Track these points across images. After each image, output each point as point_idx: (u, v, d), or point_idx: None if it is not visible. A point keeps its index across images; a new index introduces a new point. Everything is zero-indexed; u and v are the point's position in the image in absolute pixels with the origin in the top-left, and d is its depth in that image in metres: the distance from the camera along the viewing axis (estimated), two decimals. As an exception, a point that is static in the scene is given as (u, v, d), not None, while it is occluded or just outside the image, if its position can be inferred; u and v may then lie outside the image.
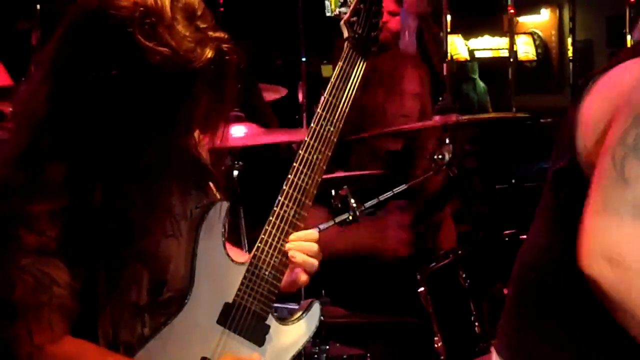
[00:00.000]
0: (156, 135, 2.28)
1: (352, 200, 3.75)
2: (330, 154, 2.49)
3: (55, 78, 2.24)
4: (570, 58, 7.46)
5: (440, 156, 3.80)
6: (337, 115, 2.46)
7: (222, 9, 6.32)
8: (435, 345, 3.80)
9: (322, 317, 3.31)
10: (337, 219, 3.69)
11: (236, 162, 3.82)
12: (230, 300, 2.39)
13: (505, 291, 3.69)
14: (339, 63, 2.50)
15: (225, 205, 2.46)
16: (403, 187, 3.81)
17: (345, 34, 2.52)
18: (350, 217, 3.71)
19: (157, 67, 2.18)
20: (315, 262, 2.50)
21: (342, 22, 2.57)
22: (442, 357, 3.80)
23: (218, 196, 2.52)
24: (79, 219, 2.23)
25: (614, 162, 2.26)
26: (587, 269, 2.24)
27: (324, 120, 2.44)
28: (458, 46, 8.96)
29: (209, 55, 2.24)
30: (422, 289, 3.83)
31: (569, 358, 2.49)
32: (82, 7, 2.29)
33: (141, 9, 2.20)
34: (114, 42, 2.22)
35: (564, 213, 2.45)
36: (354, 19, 2.53)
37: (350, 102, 2.50)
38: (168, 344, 2.32)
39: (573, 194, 2.40)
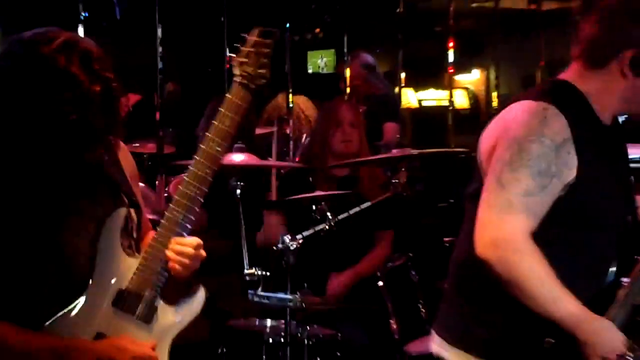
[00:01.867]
0: (63, 152, 2.26)
1: (329, 214, 3.74)
2: (216, 169, 2.41)
3: None
4: (495, 108, 7.45)
5: (397, 180, 3.80)
6: (223, 138, 2.42)
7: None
8: (392, 327, 3.75)
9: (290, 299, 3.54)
10: (317, 228, 3.68)
11: (238, 182, 3.79)
12: (124, 287, 2.31)
13: (445, 285, 3.72)
14: (227, 95, 2.43)
15: (122, 211, 2.37)
16: (368, 204, 3.80)
17: (236, 72, 2.48)
18: (327, 227, 3.70)
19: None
20: (185, 262, 2.37)
21: (233, 62, 2.50)
22: (396, 336, 3.76)
23: (125, 204, 2.40)
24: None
25: (495, 173, 2.40)
26: (481, 255, 2.33)
27: (212, 142, 2.40)
28: (409, 97, 8.95)
29: (97, 89, 2.24)
30: (381, 283, 3.80)
31: (485, 331, 2.47)
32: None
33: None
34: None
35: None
36: (244, 60, 2.50)
37: (235, 127, 2.44)
38: (71, 320, 2.26)
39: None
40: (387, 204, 4.08)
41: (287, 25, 6.07)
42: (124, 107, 2.73)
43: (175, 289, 2.45)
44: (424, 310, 3.74)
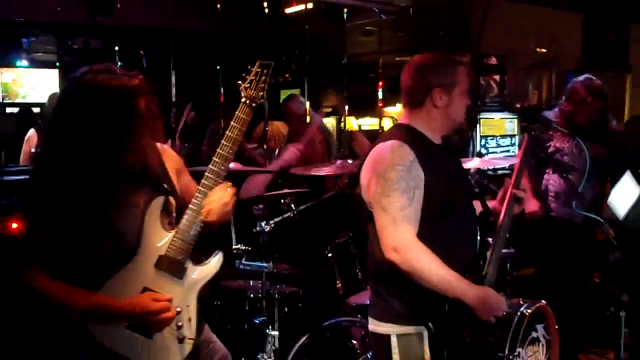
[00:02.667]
0: (119, 158, 2.29)
1: (293, 205, 3.77)
2: (229, 165, 2.44)
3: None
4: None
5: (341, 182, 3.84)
6: (233, 143, 2.44)
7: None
8: (337, 286, 3.79)
9: (265, 266, 3.56)
10: (284, 215, 3.71)
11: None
12: (163, 253, 2.34)
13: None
14: (236, 112, 2.44)
15: (161, 198, 2.39)
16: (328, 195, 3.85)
17: (242, 94, 2.50)
18: (292, 215, 3.73)
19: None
20: (220, 208, 2.39)
21: (240, 87, 2.49)
22: (341, 292, 3.78)
23: (165, 193, 2.42)
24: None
25: (377, 204, 2.48)
26: (390, 259, 2.41)
27: (226, 147, 2.43)
28: (352, 123, 8.98)
29: (149, 118, 2.32)
30: (330, 254, 3.82)
31: (403, 305, 2.52)
32: None
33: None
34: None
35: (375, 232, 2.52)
36: (248, 85, 2.54)
37: (241, 135, 2.45)
38: (125, 278, 2.30)
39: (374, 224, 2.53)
40: (333, 199, 4.13)
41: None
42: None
43: (201, 253, 2.48)
44: (360, 274, 3.77)
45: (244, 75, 2.52)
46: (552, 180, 4.45)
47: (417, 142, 2.53)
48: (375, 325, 2.61)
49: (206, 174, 2.41)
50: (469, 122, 2.57)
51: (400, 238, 2.40)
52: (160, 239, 2.37)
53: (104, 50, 6.78)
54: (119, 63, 5.83)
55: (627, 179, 3.25)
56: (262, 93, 2.48)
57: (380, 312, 2.60)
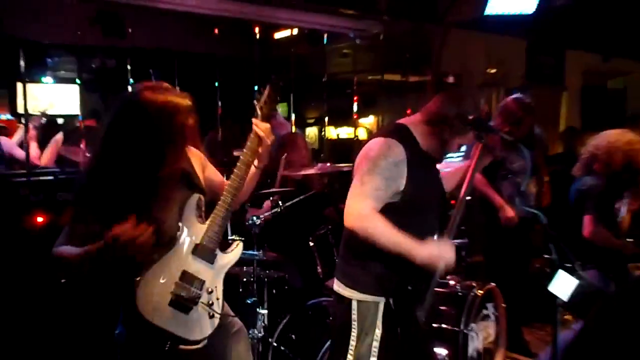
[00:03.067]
0: (161, 164, 2.29)
1: (280, 202, 3.73)
2: (248, 169, 2.50)
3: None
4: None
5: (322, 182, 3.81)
6: (253, 152, 2.48)
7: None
8: (318, 271, 3.76)
9: (256, 254, 3.55)
10: (272, 211, 3.67)
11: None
12: (198, 242, 2.38)
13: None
14: (248, 143, 2.49)
15: (196, 195, 2.43)
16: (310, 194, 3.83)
17: (257, 111, 2.52)
18: (279, 210, 3.70)
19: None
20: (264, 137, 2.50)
21: (255, 104, 2.54)
22: (321, 276, 3.75)
23: (198, 190, 2.46)
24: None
25: (358, 176, 2.47)
26: (349, 225, 2.41)
27: (245, 155, 2.46)
28: (332, 132, 8.95)
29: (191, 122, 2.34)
30: (312, 243, 3.80)
31: (364, 272, 2.53)
32: None
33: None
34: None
35: None
36: (262, 105, 2.53)
37: (257, 144, 2.50)
38: (167, 262, 2.31)
39: None
40: (315, 197, 4.10)
41: (255, 87, 6.07)
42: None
43: (225, 244, 2.53)
44: (337, 261, 3.75)
45: (257, 95, 2.54)
46: (504, 186, 4.44)
47: (409, 145, 2.51)
48: (339, 287, 2.61)
49: (232, 176, 2.47)
50: (473, 122, 2.56)
51: (364, 207, 2.38)
52: (196, 230, 2.40)
53: (118, 69, 6.74)
54: (131, 80, 5.78)
55: (563, 274, 3.33)
56: (273, 111, 2.56)
57: (346, 277, 2.60)
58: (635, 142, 3.91)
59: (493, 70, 7.02)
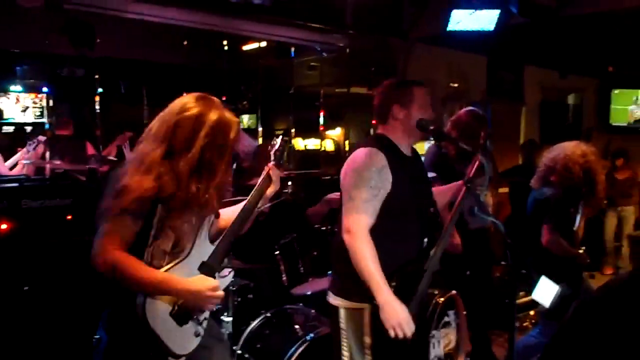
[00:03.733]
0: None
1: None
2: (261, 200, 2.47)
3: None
4: (347, 150, 7.46)
5: (287, 190, 3.76)
6: (259, 194, 2.44)
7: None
8: (282, 279, 3.73)
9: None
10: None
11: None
12: (205, 260, 2.30)
13: (315, 253, 3.70)
14: (260, 183, 2.48)
15: (211, 217, 2.41)
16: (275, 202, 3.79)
17: (273, 162, 2.51)
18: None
19: None
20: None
21: (271, 151, 2.56)
22: (286, 284, 3.74)
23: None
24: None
25: (346, 192, 2.50)
26: (343, 236, 2.47)
27: (253, 197, 2.43)
28: (300, 143, 8.97)
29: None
30: (277, 252, 3.76)
31: (349, 284, 2.52)
32: None
33: None
34: None
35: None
36: (277, 154, 2.54)
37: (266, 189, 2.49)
38: (175, 271, 2.23)
39: None
40: (280, 206, 4.06)
41: (224, 98, 6.05)
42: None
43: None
44: (302, 269, 3.73)
45: (273, 144, 2.58)
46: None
47: (389, 150, 2.56)
48: (330, 297, 2.65)
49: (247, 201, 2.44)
50: (433, 132, 2.61)
51: (356, 224, 2.42)
52: (205, 249, 2.35)
53: (87, 78, 6.65)
54: (99, 89, 5.70)
55: (545, 280, 3.37)
56: (283, 155, 2.59)
57: (335, 287, 2.64)
58: (590, 154, 3.98)
59: (455, 85, 7.10)
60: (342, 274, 2.57)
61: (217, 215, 2.48)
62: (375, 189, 2.46)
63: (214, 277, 2.33)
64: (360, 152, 2.55)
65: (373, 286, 2.39)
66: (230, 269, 2.54)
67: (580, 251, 4.03)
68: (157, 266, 2.23)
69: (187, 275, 2.26)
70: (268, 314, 3.56)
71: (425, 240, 2.67)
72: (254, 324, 3.52)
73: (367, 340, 2.49)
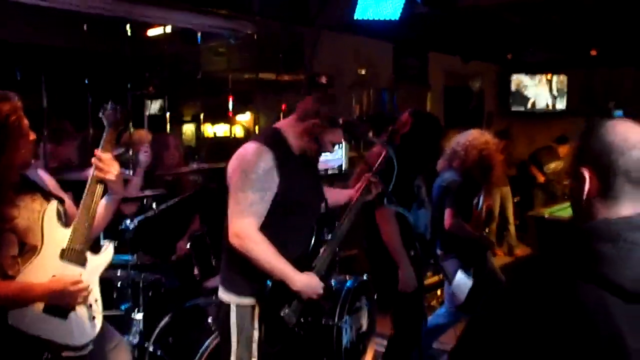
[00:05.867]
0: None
1: (154, 205, 3.63)
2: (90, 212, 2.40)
3: None
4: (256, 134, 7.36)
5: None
6: (92, 194, 2.41)
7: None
8: (195, 272, 3.69)
9: (130, 259, 3.49)
10: (147, 214, 3.57)
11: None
12: (65, 247, 2.31)
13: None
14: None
15: (54, 202, 2.38)
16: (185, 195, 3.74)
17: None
18: (153, 213, 3.62)
19: None
20: (106, 169, 2.40)
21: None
22: (198, 278, 3.72)
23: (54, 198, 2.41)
24: None
25: (233, 194, 2.48)
26: (231, 242, 2.46)
27: (86, 200, 2.42)
28: (208, 130, 8.84)
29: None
30: (188, 245, 3.78)
31: (239, 280, 2.57)
32: None
33: None
34: None
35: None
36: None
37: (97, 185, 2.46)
38: (33, 271, 2.23)
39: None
40: (190, 198, 4.02)
41: (129, 85, 5.91)
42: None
43: (97, 248, 2.52)
44: (214, 261, 3.69)
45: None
46: None
47: (279, 149, 2.53)
48: (221, 293, 2.64)
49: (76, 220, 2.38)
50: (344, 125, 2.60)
51: (244, 227, 2.42)
52: (60, 235, 2.33)
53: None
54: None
55: (461, 275, 3.54)
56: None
57: (226, 283, 2.63)
58: (492, 143, 4.18)
59: (363, 71, 7.21)
60: (232, 272, 2.60)
61: (62, 201, 2.45)
62: (261, 192, 2.45)
63: (84, 260, 2.35)
64: (250, 149, 2.51)
65: (283, 277, 2.46)
66: (108, 244, 2.54)
67: (484, 233, 4.25)
68: (14, 275, 2.20)
69: (51, 268, 2.26)
70: (181, 308, 3.52)
71: (314, 235, 2.71)
72: (166, 319, 3.47)
73: (256, 334, 2.53)
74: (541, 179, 8.39)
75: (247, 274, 2.52)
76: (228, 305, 2.57)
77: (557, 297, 1.08)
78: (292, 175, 2.54)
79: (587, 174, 1.23)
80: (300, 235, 2.64)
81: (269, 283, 2.49)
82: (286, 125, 2.66)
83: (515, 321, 1.12)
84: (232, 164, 2.55)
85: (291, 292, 2.52)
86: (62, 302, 2.24)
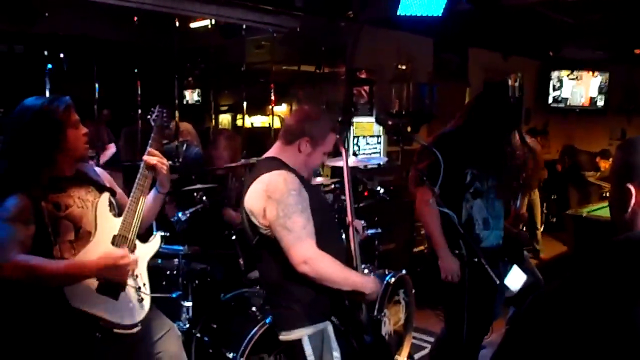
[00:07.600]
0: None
1: (205, 198, 3.73)
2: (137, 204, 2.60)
3: None
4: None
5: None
6: (143, 187, 2.64)
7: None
8: (240, 263, 3.81)
9: (181, 249, 3.63)
10: (198, 207, 3.67)
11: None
12: (116, 233, 2.51)
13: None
14: None
15: (107, 194, 2.60)
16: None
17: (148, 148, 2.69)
18: (204, 206, 3.73)
19: None
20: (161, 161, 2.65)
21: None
22: (243, 268, 3.83)
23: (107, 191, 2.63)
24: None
25: (281, 225, 2.43)
26: (302, 271, 2.42)
27: (136, 192, 2.63)
28: (247, 121, 8.96)
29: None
30: (233, 237, 3.89)
31: (301, 311, 2.54)
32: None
33: None
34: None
35: (272, 251, 2.52)
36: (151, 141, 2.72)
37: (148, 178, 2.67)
38: (87, 255, 2.40)
39: (270, 244, 2.51)
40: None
41: (176, 76, 6.06)
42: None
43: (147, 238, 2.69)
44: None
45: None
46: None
47: (294, 171, 2.57)
48: (285, 335, 2.58)
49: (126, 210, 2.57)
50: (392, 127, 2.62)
51: (307, 251, 2.41)
52: (112, 223, 2.53)
53: (28, 55, 6.49)
54: (49, 65, 5.57)
55: (516, 269, 3.57)
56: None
57: (286, 321, 2.58)
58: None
59: (403, 67, 7.22)
60: (294, 307, 2.54)
61: (114, 193, 2.65)
62: (305, 211, 2.44)
63: (133, 246, 2.54)
64: (273, 179, 2.49)
65: (357, 286, 2.50)
66: (156, 234, 2.71)
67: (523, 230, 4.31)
68: (69, 259, 2.38)
69: (104, 252, 2.40)
70: (226, 298, 3.64)
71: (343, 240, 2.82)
72: (213, 307, 3.60)
73: (337, 354, 2.54)
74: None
75: (303, 299, 2.52)
76: (299, 341, 2.52)
77: (610, 316, 1.08)
78: (310, 194, 2.56)
79: (633, 190, 1.30)
80: (335, 240, 2.70)
81: (343, 295, 2.53)
82: (278, 153, 2.66)
83: (562, 334, 1.11)
84: (258, 201, 2.50)
85: (356, 303, 2.59)
86: (112, 275, 2.39)
